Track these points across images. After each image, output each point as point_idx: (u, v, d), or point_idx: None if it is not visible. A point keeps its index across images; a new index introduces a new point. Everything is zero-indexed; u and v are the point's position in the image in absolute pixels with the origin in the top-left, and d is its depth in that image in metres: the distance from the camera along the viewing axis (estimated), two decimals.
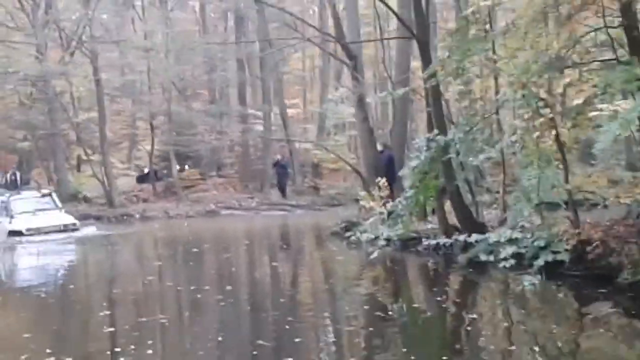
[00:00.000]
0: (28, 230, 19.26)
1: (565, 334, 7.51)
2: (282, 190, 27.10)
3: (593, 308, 8.66)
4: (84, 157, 28.17)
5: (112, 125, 31.25)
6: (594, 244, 9.68)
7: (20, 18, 26.55)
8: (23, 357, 6.72)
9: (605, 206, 13.89)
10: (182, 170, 29.13)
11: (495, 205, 14.62)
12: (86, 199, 26.16)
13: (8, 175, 26.31)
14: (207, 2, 31.40)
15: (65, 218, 20.47)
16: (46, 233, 19.16)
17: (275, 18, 24.84)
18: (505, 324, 8.15)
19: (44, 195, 21.54)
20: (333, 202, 26.09)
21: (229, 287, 10.86)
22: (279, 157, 27.94)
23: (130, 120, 33.39)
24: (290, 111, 30.92)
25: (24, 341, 7.50)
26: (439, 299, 9.52)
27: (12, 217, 19.91)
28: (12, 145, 31.41)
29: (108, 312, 9.30)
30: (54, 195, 21.94)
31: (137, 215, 23.72)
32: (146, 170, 29.39)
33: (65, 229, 19.71)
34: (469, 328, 7.83)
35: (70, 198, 25.23)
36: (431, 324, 8.44)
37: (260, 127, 29.68)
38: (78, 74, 27.27)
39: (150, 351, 6.97)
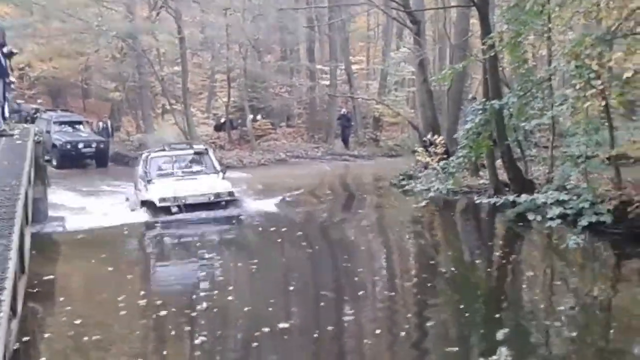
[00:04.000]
0: (162, 200, 12.58)
1: (602, 287, 7.69)
2: (345, 141, 27.35)
3: (632, 264, 8.77)
4: (168, 107, 28.95)
5: (192, 77, 31.82)
6: (635, 204, 9.70)
7: None
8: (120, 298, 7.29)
9: None
10: (254, 120, 29.58)
11: (542, 163, 14.60)
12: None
13: (100, 124, 27.17)
14: None
15: (219, 185, 13.49)
16: (190, 207, 12.65)
17: None
18: (548, 276, 8.38)
19: (197, 153, 14.71)
20: (391, 153, 26.28)
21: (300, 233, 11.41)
22: (343, 110, 28.08)
23: (209, 73, 33.88)
24: (354, 67, 30.85)
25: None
26: (493, 252, 9.80)
27: (149, 181, 13.34)
28: (105, 95, 32.47)
29: None
30: (211, 152, 15.08)
31: None
32: (223, 120, 29.88)
33: (217, 200, 13.00)
34: (511, 274, 8.09)
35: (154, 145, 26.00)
36: (478, 273, 8.72)
37: (326, 82, 29.81)
38: (163, 31, 27.83)
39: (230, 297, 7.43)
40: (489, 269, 8.81)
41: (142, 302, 7.21)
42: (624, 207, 9.64)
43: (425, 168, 16.22)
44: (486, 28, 13.20)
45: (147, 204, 12.88)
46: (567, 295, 7.53)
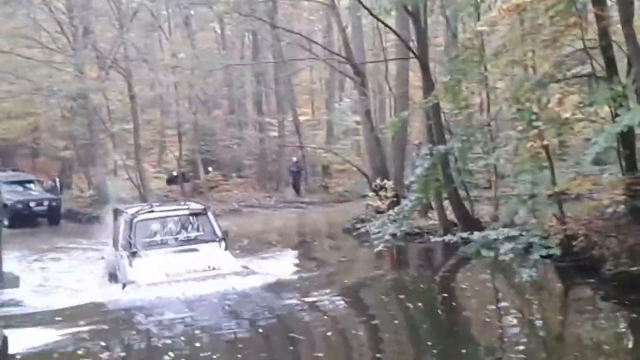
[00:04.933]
0: (151, 285, 9.37)
1: (553, 318, 7.79)
2: (297, 189, 27.37)
3: (580, 295, 8.95)
4: (120, 163, 28.40)
5: (143, 133, 31.34)
6: (579, 239, 9.97)
7: (61, 41, 26.67)
8: None
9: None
10: (206, 172, 29.30)
11: (485, 202, 14.92)
12: (123, 200, 26.16)
13: (49, 182, 26.33)
14: (226, 24, 31.49)
15: (225, 262, 10.21)
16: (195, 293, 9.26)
17: (287, 36, 24.98)
18: (506, 308, 8.46)
19: (194, 214, 11.24)
20: (341, 199, 26.36)
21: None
22: (294, 159, 28.15)
23: (159, 128, 33.49)
24: (301, 118, 31.11)
25: None
26: (454, 287, 9.86)
27: (133, 254, 10.22)
28: (55, 153, 31.65)
29: None
30: (211, 213, 11.51)
31: None
32: (175, 173, 29.52)
33: (225, 282, 9.58)
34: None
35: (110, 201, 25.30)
36: (442, 307, 8.74)
37: (275, 133, 29.94)
38: (113, 89, 27.52)
39: None
40: (452, 303, 8.89)
41: None
42: (568, 240, 9.89)
43: (377, 212, 16.27)
44: (427, 77, 13.62)
45: (133, 285, 9.54)
46: (524, 325, 7.63)
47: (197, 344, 7.05)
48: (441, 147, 12.23)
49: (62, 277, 11.33)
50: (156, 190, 27.40)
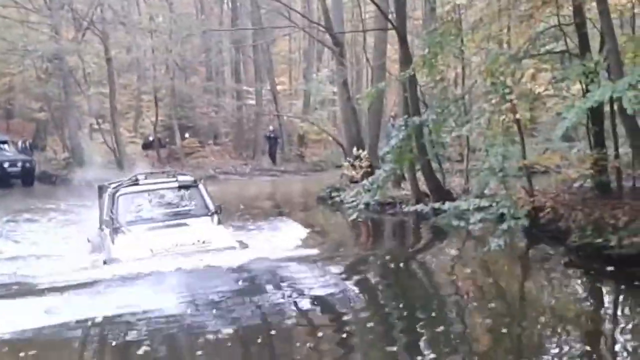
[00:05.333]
0: (134, 261, 8.47)
1: (518, 283, 8.14)
2: (273, 158, 27.36)
3: (547, 264, 9.18)
4: (96, 127, 28.01)
5: (119, 97, 30.88)
6: (546, 210, 10.18)
7: (37, 1, 25.98)
8: None
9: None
10: (182, 138, 29.09)
11: (457, 174, 15.09)
12: (97, 164, 25.82)
13: (20, 143, 25.85)
14: None
15: (217, 238, 9.24)
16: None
17: (266, 3, 24.70)
18: (476, 273, 8.67)
19: (183, 187, 10.33)
20: (316, 168, 26.47)
21: None
22: (271, 128, 28.05)
23: (135, 93, 33.01)
24: (278, 87, 30.94)
25: None
26: (425, 253, 10.19)
27: (116, 230, 9.32)
28: (29, 115, 31.01)
29: None
30: (202, 186, 10.53)
31: None
32: (151, 138, 29.21)
33: (215, 257, 8.56)
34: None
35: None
36: (415, 272, 8.91)
37: (252, 102, 29.76)
38: (90, 51, 26.99)
39: None
40: (424, 268, 9.14)
41: None
42: (536, 212, 10.09)
43: (351, 182, 16.35)
44: (404, 49, 13.56)
45: (113, 262, 8.60)
46: (490, 289, 7.86)
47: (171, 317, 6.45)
48: (416, 119, 12.26)
49: (38, 240, 10.89)
50: (132, 155, 27.14)
